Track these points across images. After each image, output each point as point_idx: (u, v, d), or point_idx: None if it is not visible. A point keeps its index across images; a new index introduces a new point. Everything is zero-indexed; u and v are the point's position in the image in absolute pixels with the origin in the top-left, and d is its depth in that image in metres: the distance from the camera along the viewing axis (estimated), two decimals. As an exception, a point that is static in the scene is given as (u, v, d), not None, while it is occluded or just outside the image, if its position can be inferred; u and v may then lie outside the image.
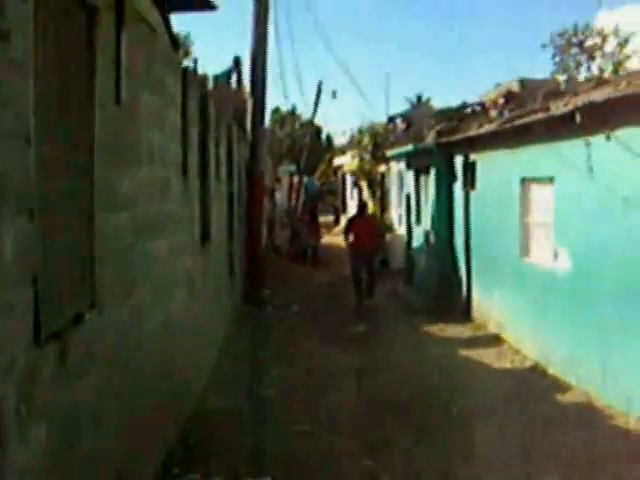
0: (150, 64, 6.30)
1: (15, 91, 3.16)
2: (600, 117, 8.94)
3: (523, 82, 17.56)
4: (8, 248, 3.05)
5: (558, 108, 9.99)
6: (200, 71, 12.96)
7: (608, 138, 8.75)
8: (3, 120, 3.04)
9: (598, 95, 8.99)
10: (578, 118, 9.27)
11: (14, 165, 3.14)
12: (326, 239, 30.52)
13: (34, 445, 3.33)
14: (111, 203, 4.80)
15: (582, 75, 23.83)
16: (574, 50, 25.15)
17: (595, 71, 23.57)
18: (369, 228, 17.80)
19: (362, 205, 19.29)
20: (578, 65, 25.00)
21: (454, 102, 20.88)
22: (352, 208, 39.77)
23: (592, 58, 24.54)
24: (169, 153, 7.19)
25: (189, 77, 8.61)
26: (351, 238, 17.70)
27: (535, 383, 10.38)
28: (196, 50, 29.08)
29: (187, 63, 9.89)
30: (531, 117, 11.37)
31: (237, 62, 20.28)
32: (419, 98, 47.77)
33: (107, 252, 4.62)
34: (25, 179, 3.24)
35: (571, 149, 9.99)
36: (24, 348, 3.25)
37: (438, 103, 33.78)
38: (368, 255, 17.59)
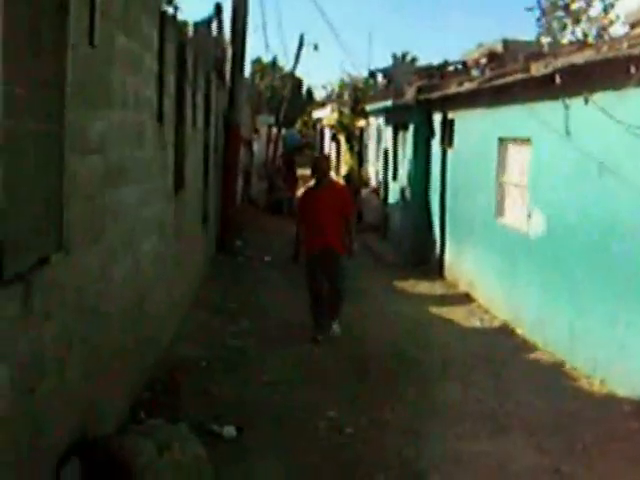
0: (127, 6, 6.18)
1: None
2: (579, 80, 8.92)
3: (506, 43, 17.45)
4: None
5: (538, 69, 9.96)
6: (180, 17, 12.77)
7: (586, 101, 8.73)
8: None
9: (579, 58, 8.96)
10: (558, 80, 9.25)
11: (-20, 102, 3.08)
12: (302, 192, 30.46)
13: (-5, 386, 3.31)
14: (81, 146, 4.73)
15: (566, 39, 23.70)
16: (559, 13, 24.99)
17: (580, 35, 23.44)
18: (333, 209, 10.34)
19: (319, 165, 10.87)
20: (563, 28, 24.85)
21: (437, 61, 20.79)
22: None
23: (577, 22, 24.39)
24: (144, 98, 7.09)
25: (167, 22, 8.48)
26: (305, 233, 10.64)
27: (503, 343, 10.48)
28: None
29: (168, 9, 9.71)
30: (511, 77, 11.33)
31: (218, 10, 19.99)
32: (404, 56, 47.54)
33: (76, 195, 4.57)
34: (-9, 117, 3.18)
35: (549, 111, 9.98)
36: (-14, 289, 3.22)
37: (422, 62, 33.57)
38: (332, 256, 10.36)
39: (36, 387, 3.87)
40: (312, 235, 10.48)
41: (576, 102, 9.12)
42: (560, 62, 9.37)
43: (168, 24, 8.52)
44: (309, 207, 10.59)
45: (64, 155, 4.29)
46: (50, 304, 4.09)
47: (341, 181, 21.58)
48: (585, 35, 23.00)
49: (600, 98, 8.59)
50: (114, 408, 5.95)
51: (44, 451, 4.03)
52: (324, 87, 49.23)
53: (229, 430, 6.59)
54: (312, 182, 10.91)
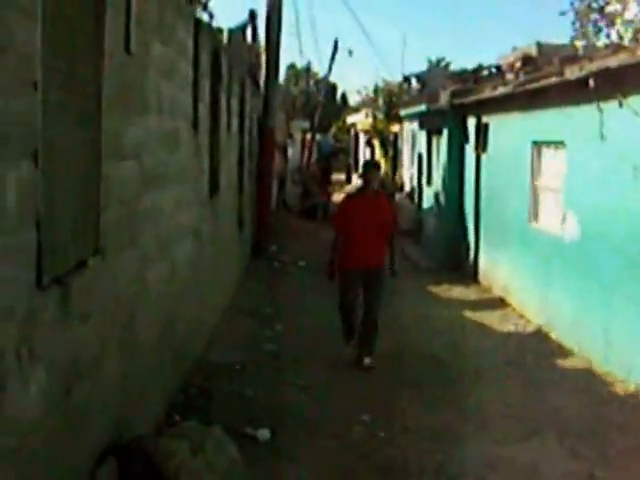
0: (162, 13, 6.28)
1: (23, 37, 3.16)
2: (614, 83, 8.89)
3: (541, 46, 17.40)
4: (12, 192, 3.07)
5: (572, 73, 9.92)
6: (215, 24, 12.88)
7: (621, 105, 8.70)
8: (11, 65, 3.05)
9: (613, 61, 8.92)
10: (592, 83, 9.22)
11: (20, 109, 3.15)
12: (337, 197, 30.50)
13: (34, 389, 3.38)
14: (118, 151, 4.82)
15: (601, 41, 23.54)
16: (594, 16, 24.83)
17: (614, 38, 23.27)
18: (376, 221, 9.30)
19: (368, 171, 9.65)
20: (598, 31, 24.69)
21: (471, 65, 20.77)
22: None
23: (612, 24, 24.22)
24: (179, 104, 7.18)
25: (202, 28, 8.57)
26: (342, 246, 9.42)
27: (537, 347, 10.44)
28: (213, 3, 28.88)
29: (203, 15, 9.85)
30: (545, 81, 11.30)
31: (252, 16, 20.15)
32: (439, 61, 47.52)
33: (112, 200, 4.65)
34: (31, 124, 3.26)
35: (583, 114, 9.94)
36: (26, 292, 3.28)
37: (455, 66, 33.60)
38: (372, 275, 9.31)
39: (72, 389, 3.94)
40: (350, 249, 9.30)
41: (610, 105, 9.08)
42: (594, 65, 9.33)
43: (203, 31, 8.61)
44: (349, 217, 9.40)
45: (101, 161, 4.37)
46: (87, 307, 4.17)
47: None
48: (620, 38, 22.84)
49: (634, 101, 8.55)
50: (149, 411, 6.03)
51: (81, 452, 4.11)
52: (358, 92, 49.22)
53: (263, 433, 6.64)
54: (351, 188, 10.25)
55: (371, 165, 10.11)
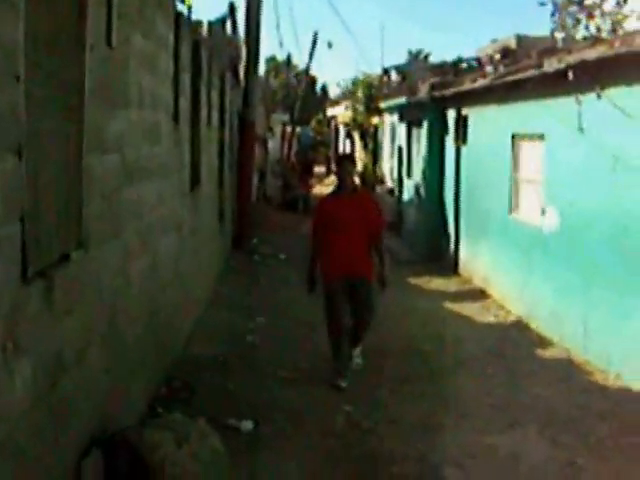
0: (142, 6, 6.28)
1: (6, 31, 3.17)
2: (592, 75, 8.96)
3: (520, 38, 17.49)
4: (-4, 185, 3.09)
5: (551, 65, 9.99)
6: (195, 17, 12.87)
7: (599, 97, 8.77)
8: (-6, 58, 3.07)
9: (591, 53, 8.99)
10: (570, 76, 9.29)
11: (3, 103, 3.16)
12: (317, 189, 30.53)
13: (19, 381, 3.39)
14: (100, 145, 4.82)
15: (580, 34, 23.62)
16: (573, 8, 24.92)
17: (593, 30, 23.35)
18: (360, 224, 8.30)
19: (342, 167, 8.58)
20: (577, 23, 24.79)
21: (451, 57, 20.84)
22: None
23: (591, 16, 24.33)
24: (160, 97, 7.18)
25: (182, 21, 8.57)
26: (323, 255, 8.49)
27: (517, 338, 10.53)
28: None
29: (181, 8, 9.82)
30: (524, 73, 11.37)
31: (232, 9, 20.13)
32: (417, 53, 47.61)
33: (94, 193, 4.66)
34: (14, 117, 3.26)
35: (562, 107, 10.01)
36: (11, 285, 3.29)
37: (436, 58, 33.73)
38: (359, 286, 8.37)
39: (58, 382, 3.96)
40: (333, 257, 8.33)
41: (589, 97, 9.15)
42: (572, 58, 9.40)
43: (183, 24, 8.61)
44: (329, 221, 8.34)
45: (83, 154, 4.38)
46: (70, 300, 4.18)
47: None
48: (599, 30, 22.93)
49: (612, 93, 8.62)
50: (133, 403, 6.04)
51: (67, 444, 4.12)
52: (338, 84, 49.30)
53: (246, 424, 6.68)
54: (331, 188, 9.05)
55: (344, 159, 9.15)
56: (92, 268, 4.68)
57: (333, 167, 44.15)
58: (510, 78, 11.98)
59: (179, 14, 8.59)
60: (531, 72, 10.96)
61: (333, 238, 8.32)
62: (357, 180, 21.00)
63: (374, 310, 8.59)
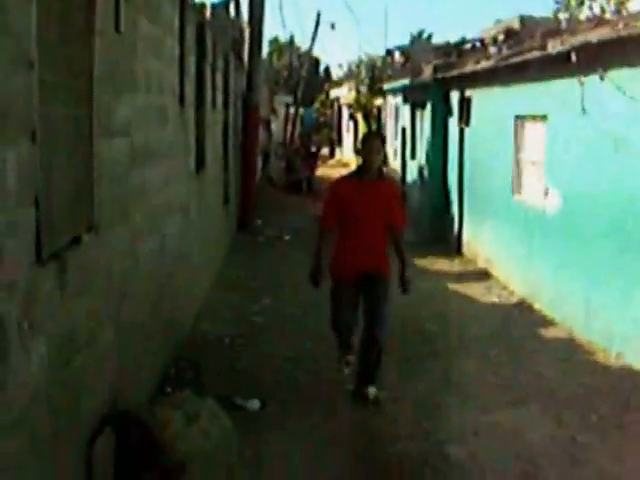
0: (149, -9, 6.34)
1: (18, 17, 3.24)
2: (595, 57, 8.99)
3: (523, 19, 17.44)
4: (11, 169, 3.16)
5: (554, 47, 10.02)
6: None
7: (602, 79, 8.82)
8: (8, 45, 3.13)
9: (594, 35, 9.02)
10: (573, 58, 9.33)
11: (18, 88, 3.24)
12: (321, 171, 30.55)
13: (35, 359, 3.48)
14: (109, 129, 4.90)
15: (584, 15, 23.53)
16: (577, -12, 24.82)
17: (597, 11, 23.27)
18: (378, 213, 7.05)
19: (368, 144, 7.09)
20: (581, 4, 24.70)
21: (454, 38, 20.80)
22: (348, 143, 39.57)
23: (594, -4, 24.23)
24: (166, 81, 7.26)
25: (187, 4, 8.62)
26: (334, 245, 7.29)
27: (520, 318, 10.61)
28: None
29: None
30: (527, 55, 11.39)
31: (236, -10, 20.11)
32: (420, 33, 47.45)
33: (104, 177, 4.74)
34: (28, 102, 3.34)
35: (565, 88, 10.05)
36: (27, 267, 3.38)
37: (438, 39, 33.58)
38: (374, 283, 7.14)
39: (71, 361, 4.05)
40: (345, 250, 7.17)
41: (592, 79, 9.19)
42: (576, 39, 9.43)
43: (188, 7, 8.66)
44: (344, 206, 7.05)
45: (93, 138, 4.46)
46: (82, 282, 4.27)
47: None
48: (603, 10, 22.86)
49: (615, 75, 8.67)
50: (142, 383, 6.15)
51: (80, 420, 4.22)
52: (341, 66, 49.21)
53: (253, 403, 6.79)
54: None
55: (372, 136, 7.88)
56: (102, 250, 4.77)
57: (336, 149, 44.12)
58: (513, 60, 11.99)
59: (184, -3, 8.64)
60: (534, 54, 10.98)
61: (347, 227, 7.11)
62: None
63: (387, 319, 7.16)
